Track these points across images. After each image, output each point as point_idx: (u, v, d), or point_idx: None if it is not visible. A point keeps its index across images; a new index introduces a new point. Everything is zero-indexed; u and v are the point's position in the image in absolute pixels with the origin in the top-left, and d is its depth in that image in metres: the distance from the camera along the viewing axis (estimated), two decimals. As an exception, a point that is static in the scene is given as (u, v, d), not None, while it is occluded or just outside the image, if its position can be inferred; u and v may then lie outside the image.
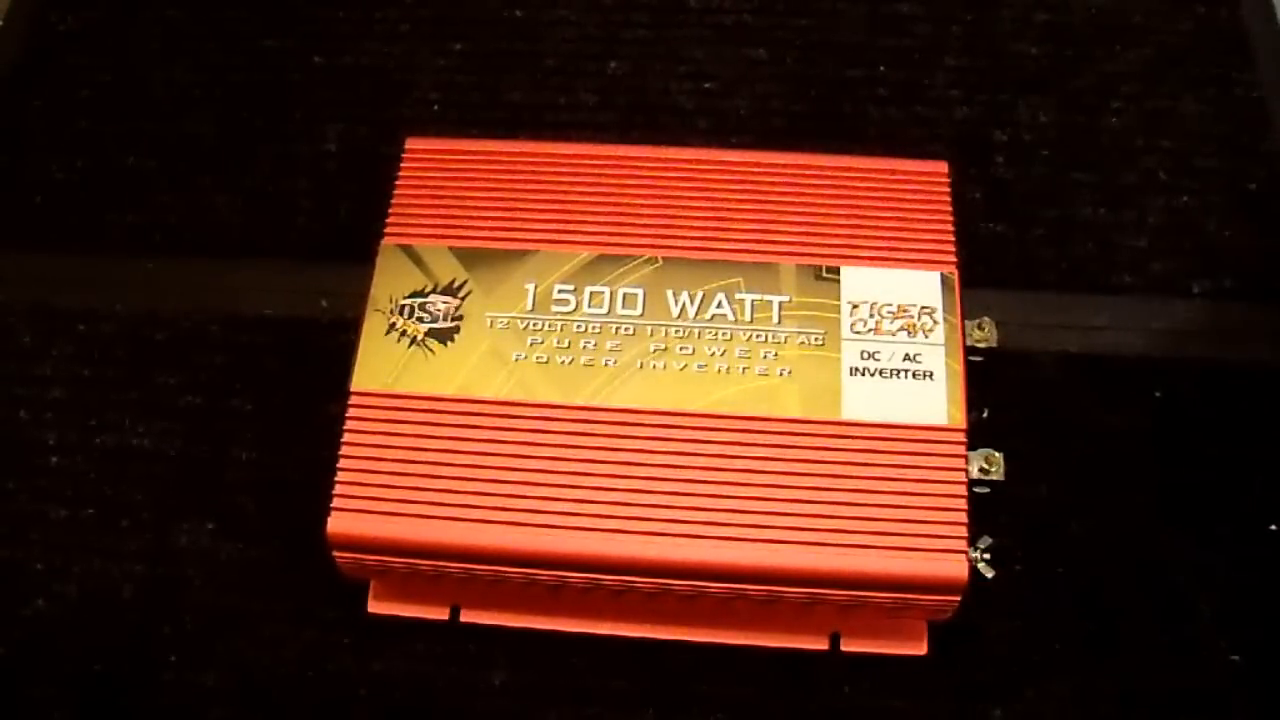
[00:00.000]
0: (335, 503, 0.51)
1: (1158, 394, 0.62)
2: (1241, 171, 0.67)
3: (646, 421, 0.51)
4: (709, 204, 0.56)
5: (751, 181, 0.57)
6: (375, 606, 0.57)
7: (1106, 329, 0.64)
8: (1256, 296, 0.64)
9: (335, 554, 0.52)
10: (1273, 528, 0.58)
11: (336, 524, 0.51)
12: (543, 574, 0.51)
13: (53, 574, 0.61)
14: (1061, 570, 0.57)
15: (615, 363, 0.52)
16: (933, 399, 0.51)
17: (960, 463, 0.50)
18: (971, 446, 0.51)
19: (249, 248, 0.70)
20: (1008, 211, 0.67)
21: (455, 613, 0.56)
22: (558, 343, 0.53)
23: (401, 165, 0.58)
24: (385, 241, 0.56)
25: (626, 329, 0.53)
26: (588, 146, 0.58)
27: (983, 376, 0.54)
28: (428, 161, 0.58)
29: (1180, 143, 0.68)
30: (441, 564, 0.51)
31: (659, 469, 0.50)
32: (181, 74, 0.77)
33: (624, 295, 0.54)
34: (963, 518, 0.49)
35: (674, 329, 0.53)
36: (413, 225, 0.57)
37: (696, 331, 0.53)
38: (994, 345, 0.54)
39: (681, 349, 0.53)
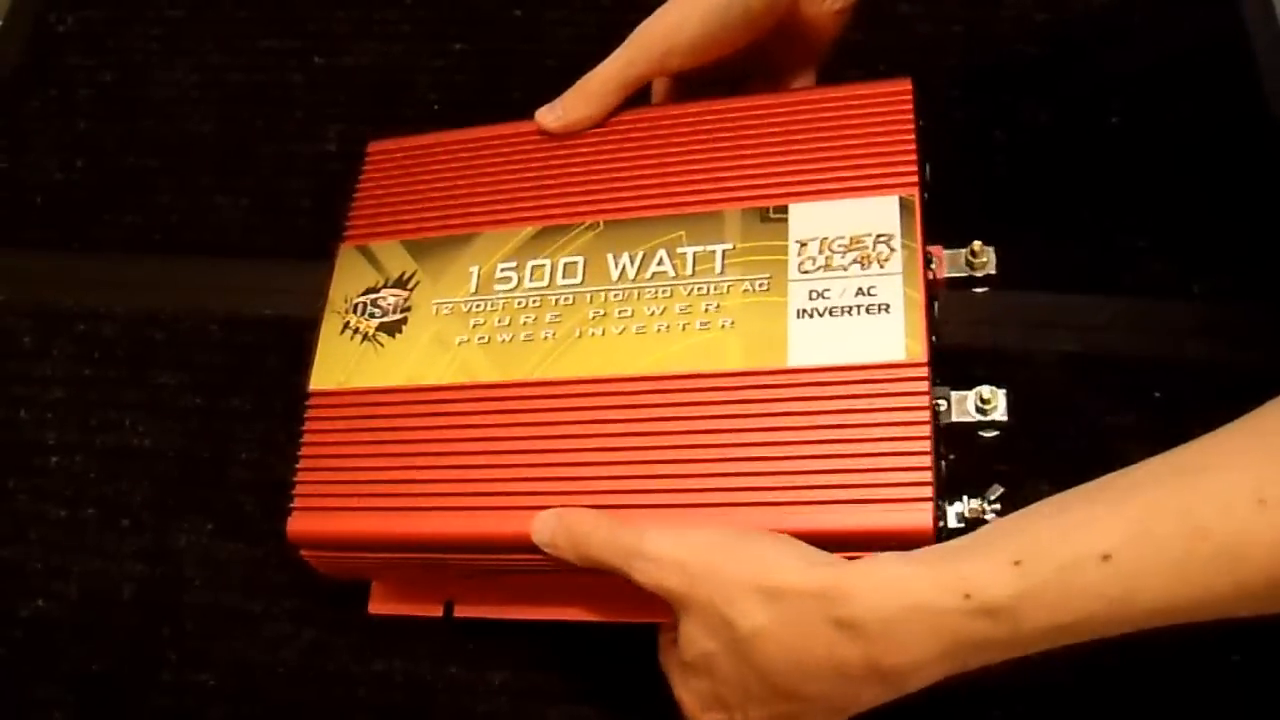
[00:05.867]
0: (295, 503, 0.51)
1: (1157, 394, 0.62)
2: (1241, 171, 0.67)
3: (585, 391, 0.49)
4: (652, 160, 0.54)
5: (696, 130, 0.54)
6: (376, 607, 0.57)
7: (1106, 329, 0.64)
8: (1256, 296, 0.64)
9: (303, 553, 0.52)
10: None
11: (296, 524, 0.51)
12: (498, 557, 0.50)
13: (53, 574, 0.62)
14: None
15: (554, 335, 0.51)
16: (889, 333, 0.47)
17: (923, 400, 0.45)
18: (967, 385, 0.48)
19: (249, 248, 0.70)
20: (1008, 212, 0.67)
21: (449, 608, 0.56)
22: (498, 322, 0.52)
23: (364, 168, 0.58)
24: (344, 245, 0.56)
25: (566, 299, 0.51)
26: (526, 124, 0.56)
27: (983, 377, 0.54)
28: (387, 161, 0.58)
29: (1180, 143, 0.68)
30: (403, 555, 0.51)
31: (603, 438, 0.48)
32: (181, 74, 0.77)
33: (564, 265, 0.52)
34: (927, 461, 0.44)
35: (614, 293, 0.51)
36: (369, 225, 0.56)
37: (636, 293, 0.51)
38: (993, 272, 0.51)
39: (620, 313, 0.50)
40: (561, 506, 0.47)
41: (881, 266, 0.48)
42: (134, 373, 0.67)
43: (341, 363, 0.53)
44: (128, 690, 0.59)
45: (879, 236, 0.49)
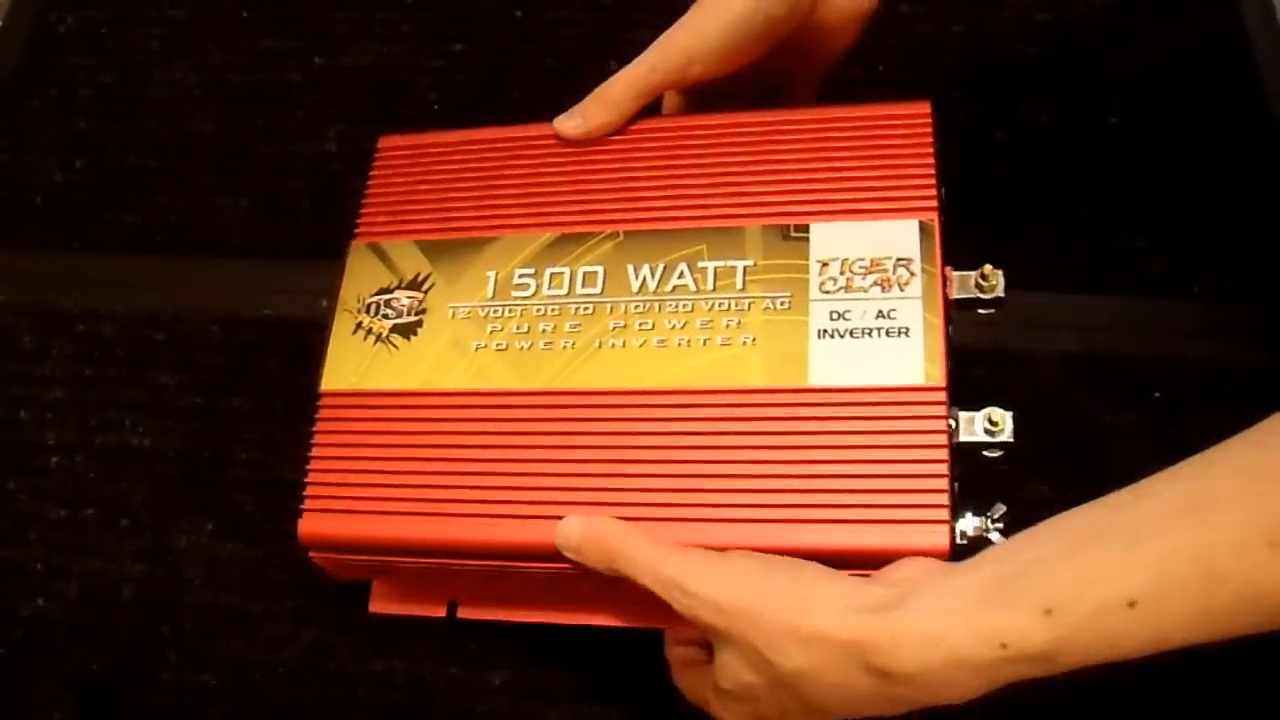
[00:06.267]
0: (306, 504, 0.51)
1: (1157, 394, 0.62)
2: (1241, 172, 0.67)
3: (605, 403, 0.49)
4: (674, 172, 0.53)
5: (717, 144, 0.54)
6: (376, 606, 0.57)
7: (1106, 329, 0.64)
8: (1256, 296, 0.64)
9: (312, 555, 0.51)
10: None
11: (307, 525, 0.50)
12: (510, 564, 0.49)
13: (53, 574, 0.62)
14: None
15: (573, 344, 0.51)
16: (908, 357, 0.47)
17: (940, 424, 0.46)
18: (975, 407, 0.48)
19: (249, 248, 0.70)
20: (1008, 212, 0.67)
21: (452, 609, 0.55)
22: (516, 328, 0.51)
23: (374, 164, 0.57)
24: (355, 242, 0.55)
25: (585, 308, 0.51)
26: (543, 126, 0.56)
27: (983, 377, 0.54)
28: (400, 158, 0.57)
29: (1180, 143, 0.68)
30: (414, 560, 0.50)
31: (620, 450, 0.48)
32: (181, 74, 0.77)
33: (584, 274, 0.52)
34: (944, 484, 0.45)
35: (634, 304, 0.51)
36: (382, 223, 0.55)
37: (657, 305, 0.51)
38: (1001, 295, 0.51)
39: (641, 325, 0.50)
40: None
41: (901, 290, 0.49)
42: (134, 373, 0.67)
43: (354, 363, 0.52)
44: (128, 690, 0.59)
45: (899, 260, 0.49)
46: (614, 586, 0.47)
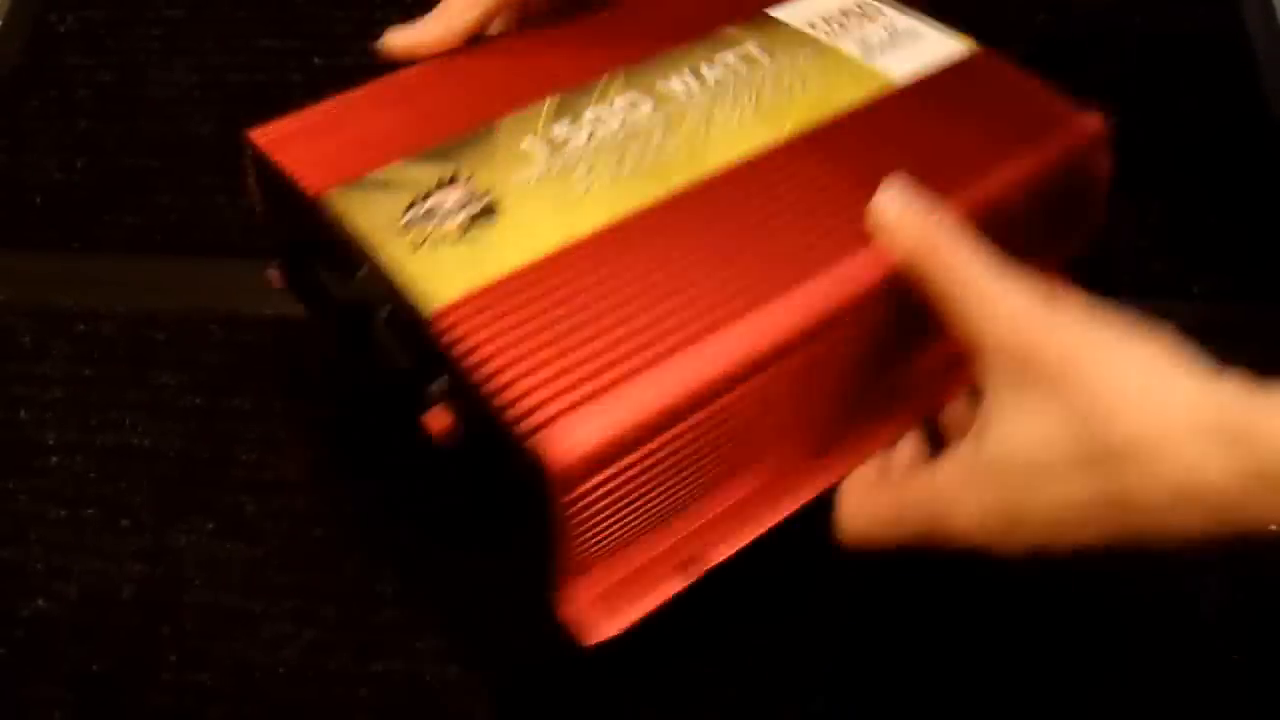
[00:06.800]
0: (523, 426, 0.38)
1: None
2: (1241, 171, 0.67)
3: (761, 163, 0.48)
4: (624, 28, 0.55)
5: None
6: (602, 629, 0.46)
7: (1106, 329, 0.63)
8: (1256, 296, 0.64)
9: (570, 506, 0.39)
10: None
11: (549, 441, 0.38)
12: (771, 376, 0.42)
13: (53, 574, 0.61)
14: (1062, 570, 0.57)
15: (681, 139, 0.48)
16: (943, 43, 0.54)
17: (1009, 66, 0.54)
18: None
19: (249, 248, 0.70)
20: (1008, 211, 0.67)
21: (687, 572, 0.46)
22: (609, 162, 0.46)
23: (271, 155, 0.50)
24: (322, 196, 0.46)
25: (660, 119, 0.48)
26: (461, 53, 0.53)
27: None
28: (300, 131, 0.51)
29: (1180, 142, 0.68)
30: (682, 431, 0.41)
31: (803, 199, 0.46)
32: (181, 74, 0.77)
33: (627, 103, 0.49)
34: (1052, 87, 0.53)
35: (700, 96, 0.50)
36: (336, 169, 0.47)
37: (722, 91, 0.50)
38: None
39: (720, 106, 0.50)
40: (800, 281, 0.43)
41: (884, 16, 0.55)
42: (134, 373, 0.67)
43: (449, 271, 0.42)
44: (127, 690, 0.58)
45: (858, 3, 0.56)
46: (885, 337, 0.46)
